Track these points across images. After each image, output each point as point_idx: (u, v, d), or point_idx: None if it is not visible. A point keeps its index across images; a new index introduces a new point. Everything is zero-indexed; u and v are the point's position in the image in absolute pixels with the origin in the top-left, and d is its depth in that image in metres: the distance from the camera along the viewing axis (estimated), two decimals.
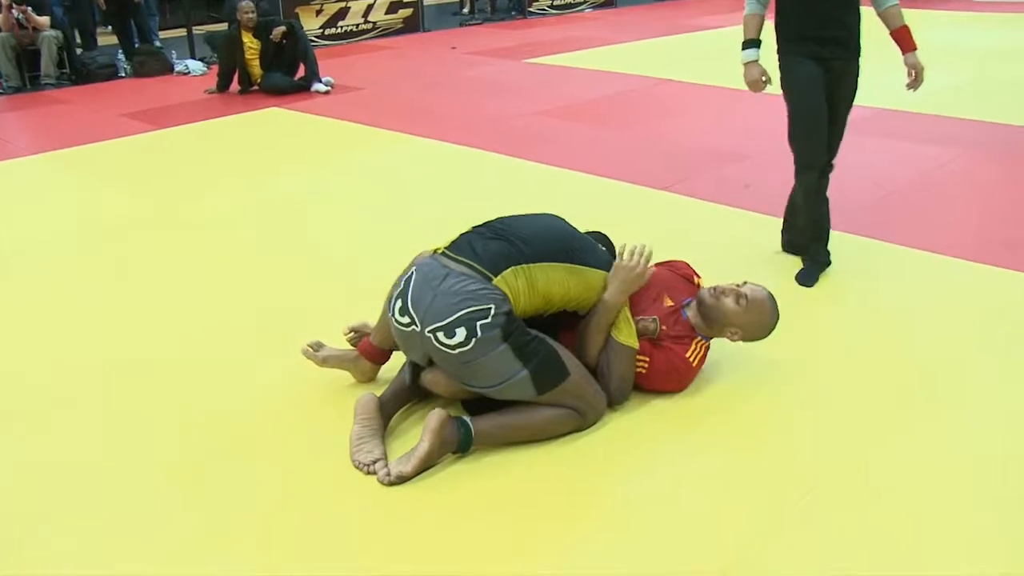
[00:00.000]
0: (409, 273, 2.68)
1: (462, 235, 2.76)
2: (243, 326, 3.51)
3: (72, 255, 4.38)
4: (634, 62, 9.20)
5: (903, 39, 3.63)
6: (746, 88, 3.70)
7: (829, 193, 3.77)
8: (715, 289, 2.91)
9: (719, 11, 12.55)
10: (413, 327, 2.58)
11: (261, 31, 8.07)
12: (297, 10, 10.74)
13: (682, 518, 2.35)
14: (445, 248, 2.71)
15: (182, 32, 10.44)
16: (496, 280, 2.57)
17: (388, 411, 2.74)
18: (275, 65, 8.16)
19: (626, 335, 2.78)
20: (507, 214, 2.85)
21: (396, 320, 2.64)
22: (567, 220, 2.89)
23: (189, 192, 5.33)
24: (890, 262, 3.81)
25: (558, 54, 9.87)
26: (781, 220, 4.02)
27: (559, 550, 2.26)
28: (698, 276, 3.16)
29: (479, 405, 2.68)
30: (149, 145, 6.59)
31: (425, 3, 12.26)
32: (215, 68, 8.67)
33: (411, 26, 11.99)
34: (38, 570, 2.23)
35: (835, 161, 3.76)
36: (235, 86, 8.26)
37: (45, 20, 8.73)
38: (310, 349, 2.98)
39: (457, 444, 2.57)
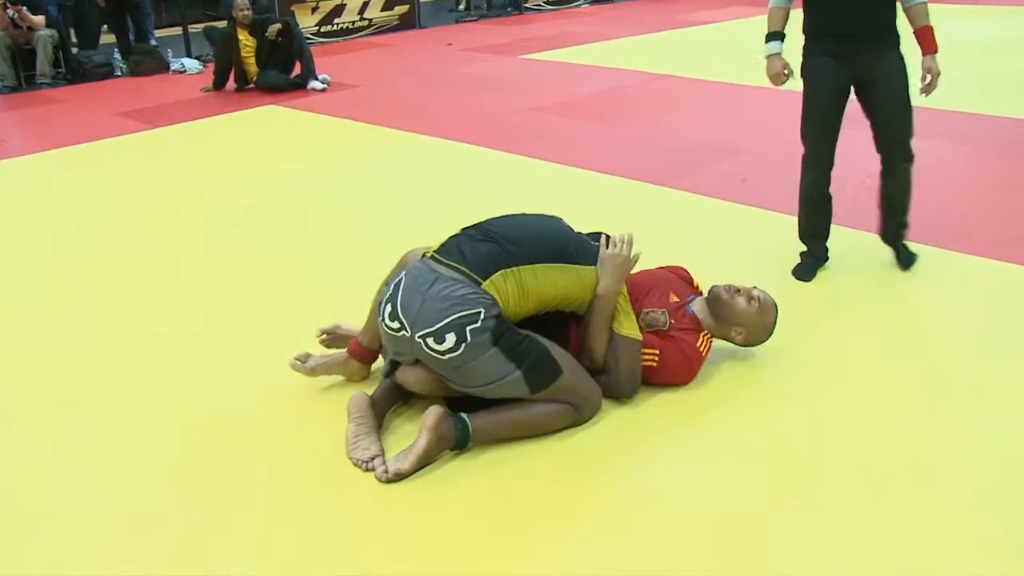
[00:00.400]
0: (398, 277, 2.68)
1: (451, 238, 2.73)
2: (243, 325, 3.51)
3: (70, 255, 4.38)
4: (630, 57, 9.18)
5: (924, 39, 3.50)
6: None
7: (832, 189, 3.73)
8: (730, 287, 2.98)
9: (715, 6, 12.54)
10: (403, 332, 2.57)
11: (257, 29, 8.06)
12: (293, 7, 10.71)
13: (681, 515, 2.35)
14: (434, 251, 2.69)
15: (178, 31, 10.41)
16: (485, 284, 2.56)
17: (380, 409, 2.75)
18: (271, 63, 8.14)
19: (628, 328, 2.79)
20: (503, 211, 2.85)
21: (386, 325, 2.63)
22: (561, 218, 2.88)
23: (188, 191, 5.32)
24: (889, 256, 3.81)
25: (554, 50, 9.85)
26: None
27: (558, 548, 2.27)
28: (696, 281, 3.22)
29: (462, 402, 2.66)
30: (146, 144, 6.58)
31: (421, 0, 12.24)
32: (211, 66, 8.65)
33: (407, 23, 11.97)
34: (38, 570, 2.23)
35: (914, 153, 3.58)
36: (231, 84, 8.25)
37: (40, 19, 8.70)
38: (298, 362, 2.97)
39: (455, 441, 2.57)
